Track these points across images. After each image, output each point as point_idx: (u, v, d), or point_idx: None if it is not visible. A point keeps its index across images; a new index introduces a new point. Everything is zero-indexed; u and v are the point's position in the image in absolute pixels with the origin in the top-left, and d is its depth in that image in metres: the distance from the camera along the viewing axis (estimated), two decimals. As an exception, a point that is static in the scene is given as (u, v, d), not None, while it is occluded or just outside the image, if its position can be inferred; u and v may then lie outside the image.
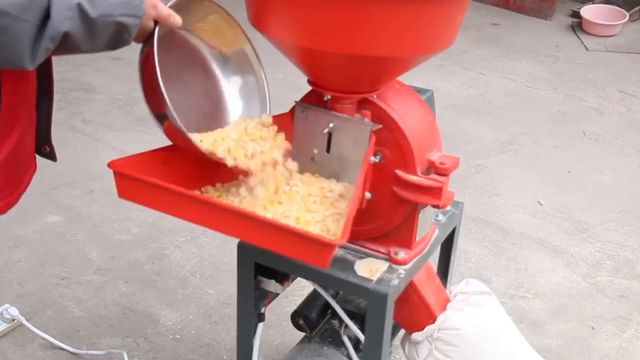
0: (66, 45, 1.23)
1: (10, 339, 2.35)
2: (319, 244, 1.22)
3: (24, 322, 2.36)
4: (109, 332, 2.41)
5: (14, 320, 2.36)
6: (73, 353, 2.31)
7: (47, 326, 2.40)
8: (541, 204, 3.29)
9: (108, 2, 1.24)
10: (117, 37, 1.29)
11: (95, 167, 3.32)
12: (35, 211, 3.00)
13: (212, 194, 1.55)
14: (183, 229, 2.90)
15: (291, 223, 1.43)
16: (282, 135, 1.56)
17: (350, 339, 1.84)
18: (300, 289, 2.27)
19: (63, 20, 1.19)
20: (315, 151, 1.59)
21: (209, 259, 2.78)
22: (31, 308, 2.48)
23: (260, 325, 1.76)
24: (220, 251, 2.81)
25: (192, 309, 2.53)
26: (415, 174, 1.52)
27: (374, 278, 1.55)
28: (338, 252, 1.61)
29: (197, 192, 1.48)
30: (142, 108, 1.45)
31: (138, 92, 1.43)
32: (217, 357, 2.34)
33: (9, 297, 2.51)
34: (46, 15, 1.18)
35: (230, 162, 1.44)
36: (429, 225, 1.69)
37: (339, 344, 1.85)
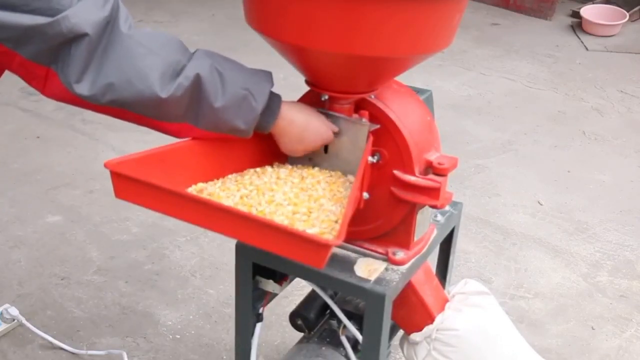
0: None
1: (10, 339, 2.36)
2: (314, 244, 1.21)
3: (24, 322, 2.36)
4: (109, 332, 2.41)
5: (14, 320, 2.36)
6: (73, 353, 2.31)
7: (47, 326, 2.41)
8: (541, 204, 3.28)
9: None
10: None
11: (95, 167, 3.32)
12: (35, 211, 3.00)
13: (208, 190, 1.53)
14: (183, 229, 2.90)
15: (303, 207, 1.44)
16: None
17: (349, 339, 1.84)
18: (300, 289, 2.27)
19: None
20: (313, 151, 1.59)
21: (209, 259, 2.78)
22: (31, 308, 2.48)
23: (259, 325, 1.75)
24: (220, 251, 2.81)
25: (192, 309, 2.53)
26: (413, 174, 1.51)
27: (372, 278, 1.55)
28: (336, 252, 1.61)
29: (194, 191, 1.48)
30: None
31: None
32: (217, 357, 2.34)
33: (9, 297, 2.51)
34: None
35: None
36: (427, 226, 1.68)
37: (338, 345, 1.85)
